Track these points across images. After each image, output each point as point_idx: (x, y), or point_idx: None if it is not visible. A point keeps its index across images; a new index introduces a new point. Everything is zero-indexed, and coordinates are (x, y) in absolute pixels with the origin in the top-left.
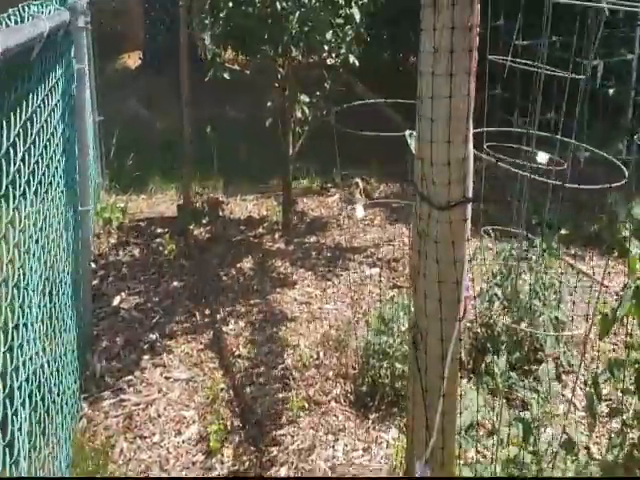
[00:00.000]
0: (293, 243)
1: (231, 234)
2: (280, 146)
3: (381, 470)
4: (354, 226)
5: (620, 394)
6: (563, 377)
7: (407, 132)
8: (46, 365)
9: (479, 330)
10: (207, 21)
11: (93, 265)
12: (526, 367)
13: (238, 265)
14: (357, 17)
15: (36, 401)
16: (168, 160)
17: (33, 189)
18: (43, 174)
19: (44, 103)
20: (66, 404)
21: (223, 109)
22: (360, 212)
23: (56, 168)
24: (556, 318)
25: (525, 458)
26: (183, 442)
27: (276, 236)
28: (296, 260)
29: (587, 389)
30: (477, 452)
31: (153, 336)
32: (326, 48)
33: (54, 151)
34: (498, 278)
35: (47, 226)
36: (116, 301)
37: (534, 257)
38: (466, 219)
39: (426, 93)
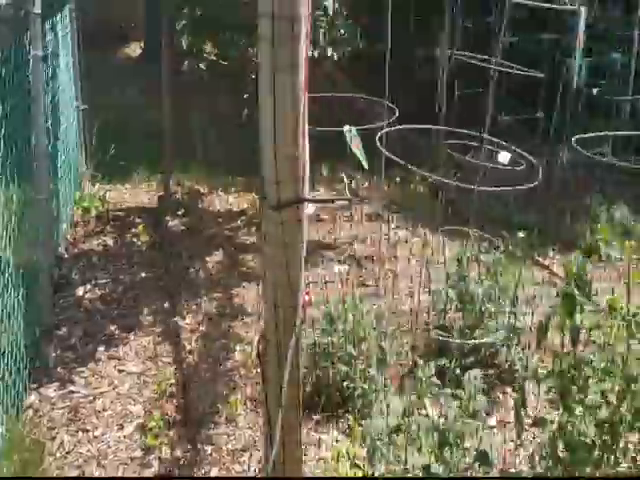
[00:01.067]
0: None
1: (207, 226)
2: None
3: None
4: (333, 222)
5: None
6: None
7: (346, 127)
8: None
9: (433, 333)
10: (184, 11)
11: (65, 254)
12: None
13: (208, 258)
14: (330, 9)
15: None
16: (155, 150)
17: None
18: None
19: None
20: (8, 395)
21: (210, 100)
22: (311, 208)
23: (2, 155)
24: (509, 324)
25: (438, 469)
26: (124, 437)
27: (252, 230)
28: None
29: (516, 396)
30: (387, 459)
31: (112, 328)
32: None
33: None
34: (451, 280)
35: None
36: (81, 291)
37: (491, 259)
38: (300, 220)
39: (263, 86)
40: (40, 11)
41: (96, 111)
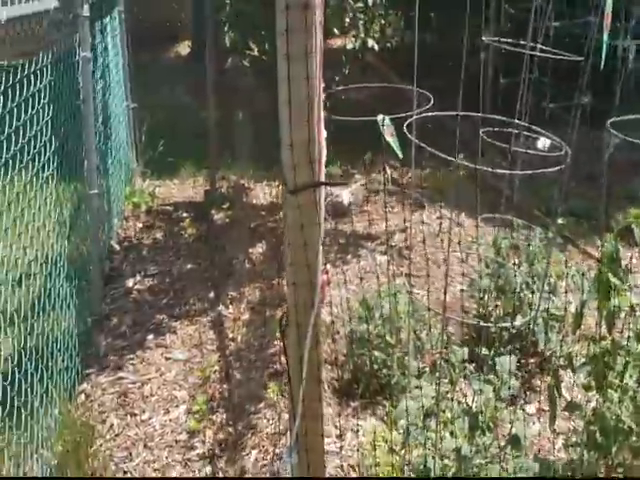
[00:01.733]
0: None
1: (250, 219)
2: None
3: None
4: (375, 213)
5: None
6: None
7: (380, 116)
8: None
9: (472, 322)
10: (227, 8)
11: (117, 247)
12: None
13: (251, 249)
14: (370, 1)
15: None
16: (202, 146)
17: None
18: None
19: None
20: (62, 381)
21: (253, 96)
22: (346, 198)
23: (54, 153)
24: (546, 310)
25: (469, 452)
26: (170, 421)
27: None
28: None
29: (549, 381)
30: (420, 443)
31: (160, 317)
32: (337, 32)
33: (48, 135)
34: (491, 268)
35: (43, 210)
36: (130, 282)
37: (532, 246)
38: (316, 203)
39: (280, 75)
40: (88, 14)
41: (146, 109)
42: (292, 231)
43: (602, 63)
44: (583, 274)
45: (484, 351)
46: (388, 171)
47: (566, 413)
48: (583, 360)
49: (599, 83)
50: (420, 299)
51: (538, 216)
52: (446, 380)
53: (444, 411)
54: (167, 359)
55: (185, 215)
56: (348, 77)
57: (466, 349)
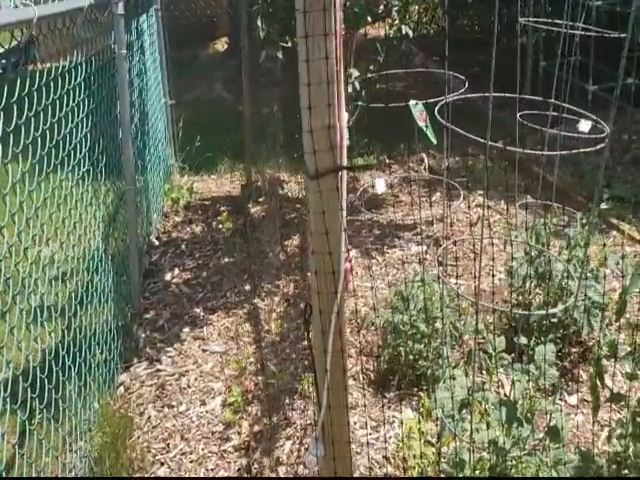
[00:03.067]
0: (346, 220)
1: (286, 212)
2: None
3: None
4: (411, 202)
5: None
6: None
7: (412, 102)
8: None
9: (511, 311)
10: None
11: (156, 242)
12: (565, 350)
13: (286, 242)
14: None
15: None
16: (239, 141)
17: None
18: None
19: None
20: (101, 373)
21: (288, 89)
22: (381, 187)
23: (90, 149)
24: (589, 299)
25: (505, 444)
26: (206, 412)
27: None
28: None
29: (592, 371)
30: (456, 435)
31: (197, 310)
32: (370, 20)
33: (83, 132)
34: (530, 256)
35: (80, 206)
36: (169, 276)
37: (572, 232)
38: (337, 189)
39: (299, 57)
40: (124, 12)
41: (184, 106)
42: (314, 218)
43: None
44: (623, 257)
45: (522, 340)
46: (425, 159)
47: (610, 404)
48: (628, 349)
49: None
50: (457, 288)
51: (580, 201)
52: (483, 370)
53: (480, 402)
54: (204, 351)
55: (222, 209)
56: (384, 65)
57: (503, 338)
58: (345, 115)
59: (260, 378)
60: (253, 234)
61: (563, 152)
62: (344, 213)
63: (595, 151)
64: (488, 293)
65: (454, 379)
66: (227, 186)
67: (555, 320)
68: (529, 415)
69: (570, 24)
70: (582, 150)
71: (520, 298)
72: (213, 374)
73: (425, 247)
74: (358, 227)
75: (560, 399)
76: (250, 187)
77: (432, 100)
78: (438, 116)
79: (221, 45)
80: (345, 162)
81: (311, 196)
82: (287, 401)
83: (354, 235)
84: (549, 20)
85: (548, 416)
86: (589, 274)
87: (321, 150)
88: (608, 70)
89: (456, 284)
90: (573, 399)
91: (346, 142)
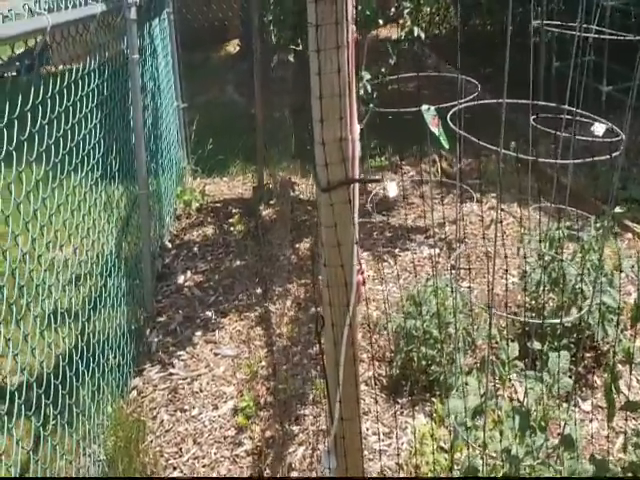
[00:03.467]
0: (357, 224)
1: (297, 214)
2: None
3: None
4: (424, 205)
5: None
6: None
7: (424, 107)
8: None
9: (525, 315)
10: (271, 5)
11: (169, 245)
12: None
13: (297, 245)
14: None
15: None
16: (250, 143)
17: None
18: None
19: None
20: (114, 378)
21: (299, 93)
22: (393, 191)
23: (103, 155)
24: (603, 304)
25: (518, 452)
26: (219, 416)
27: None
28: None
29: (606, 377)
30: (469, 443)
31: (209, 313)
32: (381, 22)
33: (97, 138)
34: (543, 260)
35: (93, 211)
36: (181, 279)
37: (586, 236)
38: (349, 201)
39: (311, 70)
40: (136, 17)
41: (196, 108)
42: (326, 230)
43: None
44: (639, 260)
45: (536, 346)
46: (437, 161)
47: (625, 412)
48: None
49: None
50: (470, 293)
51: (595, 203)
52: (496, 377)
53: (493, 410)
54: (216, 355)
55: (235, 212)
56: (395, 68)
57: (517, 344)
58: (357, 127)
59: (272, 383)
60: (265, 237)
61: (577, 161)
62: (356, 226)
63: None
64: (502, 297)
65: (468, 385)
66: (239, 188)
67: (569, 325)
68: (543, 423)
69: (584, 26)
70: (596, 158)
71: (533, 303)
72: (225, 378)
73: (437, 250)
74: (369, 230)
75: (574, 405)
76: (262, 189)
77: (444, 105)
78: (450, 123)
79: (233, 47)
80: (357, 175)
81: (323, 209)
82: (299, 406)
83: (365, 238)
84: (561, 23)
85: (562, 424)
86: (603, 279)
87: (333, 163)
88: (623, 70)
89: (469, 287)
90: (587, 405)
91: (358, 154)
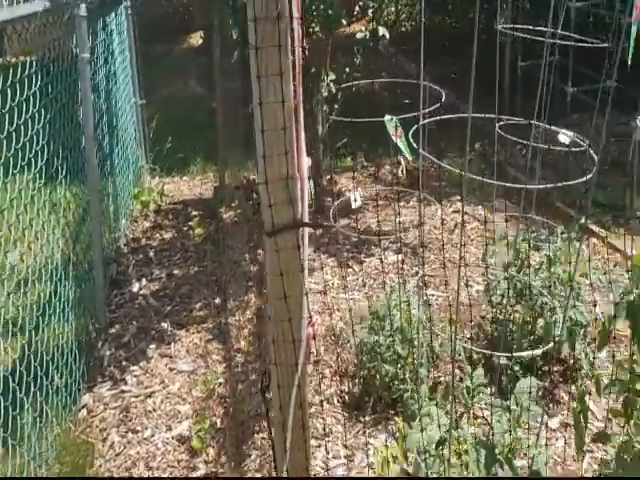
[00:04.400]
0: (320, 229)
1: (260, 217)
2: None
3: None
4: (387, 209)
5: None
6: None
7: (387, 117)
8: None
9: (489, 328)
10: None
11: (124, 249)
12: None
13: (259, 250)
14: None
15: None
16: (212, 141)
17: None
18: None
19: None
20: (62, 396)
21: None
22: (356, 201)
23: (51, 156)
24: (570, 319)
25: None
26: (172, 438)
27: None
28: (320, 245)
29: (575, 406)
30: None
31: (165, 325)
32: (344, 22)
33: (44, 139)
34: (508, 271)
35: (41, 215)
36: (136, 287)
37: (552, 246)
38: (298, 247)
39: (254, 100)
40: (86, 14)
41: (156, 104)
42: (271, 280)
43: (630, 57)
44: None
45: (503, 361)
46: (402, 162)
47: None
48: (609, 378)
49: (625, 66)
50: (435, 301)
51: (560, 208)
52: (461, 403)
53: (458, 440)
54: (171, 370)
55: (194, 214)
56: (360, 67)
57: (482, 370)
58: (306, 161)
59: (229, 401)
60: (225, 241)
61: (549, 185)
62: (305, 274)
63: (575, 157)
64: (466, 306)
65: (428, 415)
66: (199, 188)
67: (535, 337)
68: (510, 455)
69: (550, 30)
70: (566, 183)
71: (498, 314)
72: (180, 395)
73: (402, 256)
74: (334, 234)
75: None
76: (223, 190)
77: (408, 115)
78: (412, 141)
79: (196, 40)
80: (307, 217)
81: (268, 255)
82: (257, 428)
83: (330, 242)
84: (525, 26)
85: (530, 454)
86: (569, 291)
87: (278, 203)
88: (588, 73)
89: (433, 295)
90: (554, 422)
91: (308, 193)
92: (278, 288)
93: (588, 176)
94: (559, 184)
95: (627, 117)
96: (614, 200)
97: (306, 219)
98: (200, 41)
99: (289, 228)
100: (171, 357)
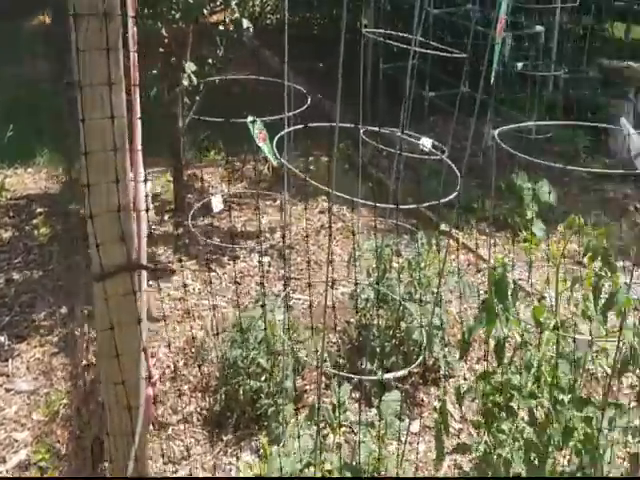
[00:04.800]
0: (182, 226)
1: None
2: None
3: None
4: (252, 207)
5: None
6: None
7: (250, 119)
8: None
9: (354, 333)
10: None
11: None
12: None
13: None
14: None
15: None
16: (61, 128)
17: None
18: None
19: None
20: None
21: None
22: (217, 206)
23: None
24: (429, 324)
25: None
26: (7, 472)
27: (165, 217)
28: (181, 246)
29: (437, 419)
30: None
31: (2, 338)
32: (205, 12)
33: None
34: (372, 278)
35: None
36: None
37: (410, 253)
38: (133, 293)
39: (79, 116)
40: None
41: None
42: (100, 335)
43: (492, 73)
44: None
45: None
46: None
47: (454, 429)
48: (468, 386)
49: (478, 73)
50: (300, 306)
51: (423, 213)
52: (327, 421)
53: (324, 462)
54: (8, 391)
55: (39, 211)
56: (224, 59)
57: (348, 386)
58: (142, 192)
59: (75, 423)
60: (74, 242)
61: (412, 205)
62: (144, 326)
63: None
64: (332, 310)
65: (297, 437)
66: (46, 182)
67: (396, 342)
68: (376, 474)
69: (409, 37)
70: (442, 200)
71: (362, 320)
72: (18, 421)
73: (268, 259)
74: (195, 234)
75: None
76: (72, 184)
77: (273, 118)
78: (276, 152)
79: (47, 16)
80: (144, 256)
81: (96, 304)
82: (105, 457)
83: (191, 243)
84: (390, 32)
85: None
86: (430, 296)
87: (107, 241)
88: (444, 78)
89: (299, 300)
90: (415, 426)
91: (145, 229)
92: (109, 344)
93: (453, 195)
94: (434, 202)
95: (479, 123)
96: (467, 201)
97: (144, 259)
98: (52, 18)
99: (121, 271)
100: (8, 376)
